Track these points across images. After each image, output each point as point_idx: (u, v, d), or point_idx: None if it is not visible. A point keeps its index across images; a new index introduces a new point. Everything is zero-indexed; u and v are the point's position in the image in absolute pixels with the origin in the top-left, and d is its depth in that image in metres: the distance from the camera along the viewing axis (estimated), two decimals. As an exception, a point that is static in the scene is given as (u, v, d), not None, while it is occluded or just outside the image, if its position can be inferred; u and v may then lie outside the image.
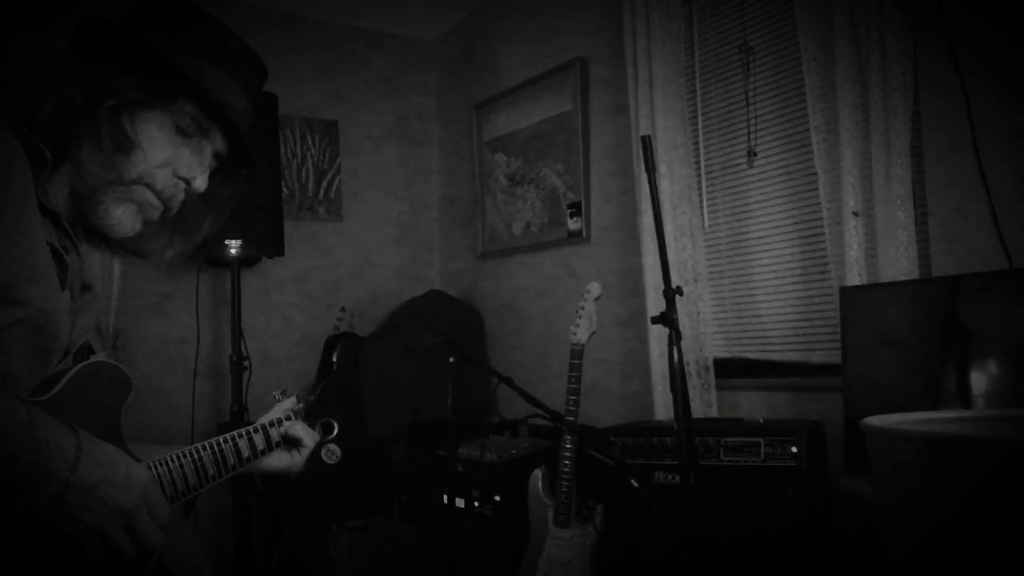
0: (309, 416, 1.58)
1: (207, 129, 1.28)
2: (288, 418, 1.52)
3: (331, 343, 3.81)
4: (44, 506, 1.08)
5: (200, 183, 1.28)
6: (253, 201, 3.26)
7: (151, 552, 1.19)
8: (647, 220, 3.00)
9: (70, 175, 1.19)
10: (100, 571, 1.15)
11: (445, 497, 3.12)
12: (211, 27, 1.29)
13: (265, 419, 1.51)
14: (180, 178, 1.26)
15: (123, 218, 1.22)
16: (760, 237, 2.91)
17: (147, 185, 1.22)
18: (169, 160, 1.24)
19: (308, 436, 1.53)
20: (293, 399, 1.57)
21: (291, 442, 1.51)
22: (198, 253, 3.38)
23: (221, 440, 1.39)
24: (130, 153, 1.19)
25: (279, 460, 1.51)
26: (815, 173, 2.56)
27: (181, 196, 1.28)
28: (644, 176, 2.43)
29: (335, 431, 1.60)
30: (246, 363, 3.35)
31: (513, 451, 3.08)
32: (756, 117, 2.90)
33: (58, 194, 1.20)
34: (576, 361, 2.72)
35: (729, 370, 2.94)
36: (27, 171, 1.12)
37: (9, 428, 1.04)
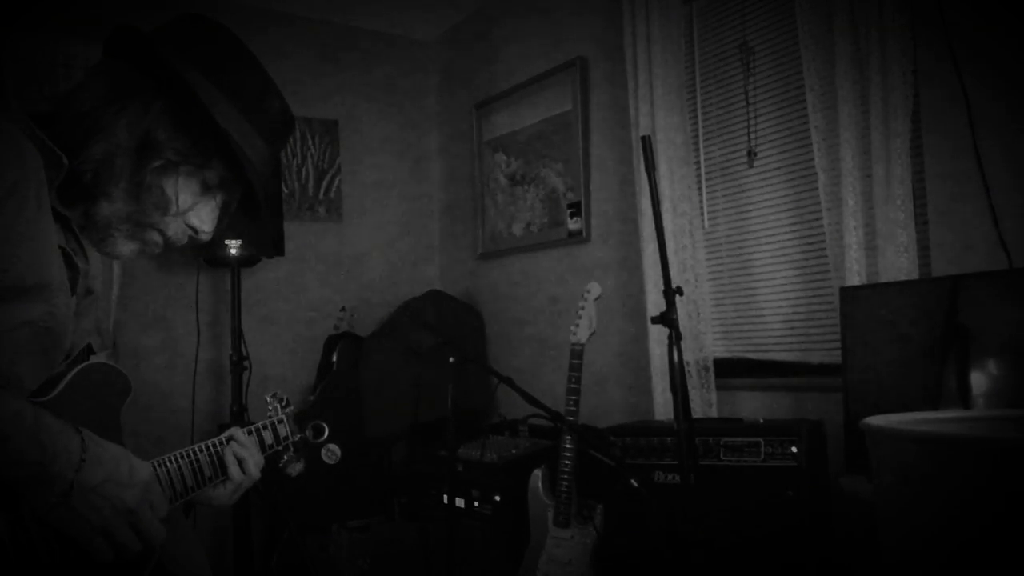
0: (306, 417, 1.57)
1: (228, 184, 1.28)
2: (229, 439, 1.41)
3: (331, 343, 3.81)
4: (49, 508, 1.08)
5: (207, 235, 1.29)
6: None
7: (154, 548, 1.20)
8: (647, 220, 3.00)
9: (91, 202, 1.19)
10: (104, 572, 1.16)
11: (445, 497, 3.11)
12: (254, 78, 1.28)
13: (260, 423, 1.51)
14: (190, 226, 1.27)
15: (124, 251, 1.24)
16: (760, 237, 2.91)
17: (159, 231, 1.24)
18: (187, 211, 1.25)
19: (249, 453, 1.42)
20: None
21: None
22: (198, 253, 3.38)
23: (218, 441, 1.39)
24: (165, 211, 1.22)
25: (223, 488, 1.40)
26: (815, 173, 2.56)
27: (185, 240, 1.29)
28: (644, 176, 2.43)
29: (326, 433, 1.58)
30: (246, 363, 3.35)
31: (513, 451, 3.08)
32: (756, 117, 2.90)
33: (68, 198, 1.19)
34: (576, 361, 2.72)
35: (729, 370, 2.94)
36: (40, 173, 1.12)
37: (15, 429, 1.04)
